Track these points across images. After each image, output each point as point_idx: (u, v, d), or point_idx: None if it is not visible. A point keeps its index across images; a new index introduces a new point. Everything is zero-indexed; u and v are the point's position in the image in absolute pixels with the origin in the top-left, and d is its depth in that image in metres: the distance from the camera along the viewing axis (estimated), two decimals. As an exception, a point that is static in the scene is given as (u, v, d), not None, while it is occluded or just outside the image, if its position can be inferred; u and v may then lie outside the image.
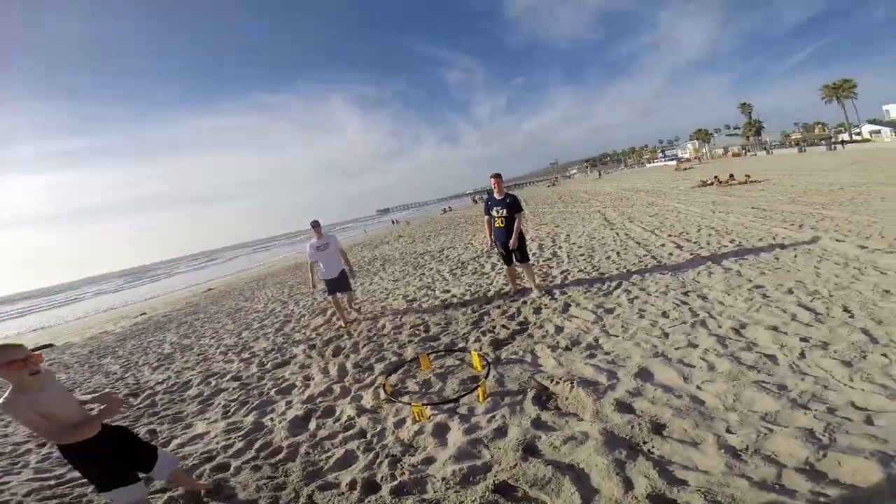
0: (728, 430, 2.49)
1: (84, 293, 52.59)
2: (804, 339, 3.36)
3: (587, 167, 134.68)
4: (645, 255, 7.07)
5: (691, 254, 6.67)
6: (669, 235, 8.46)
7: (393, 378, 4.05)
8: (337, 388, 4.14)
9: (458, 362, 4.11)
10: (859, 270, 4.76)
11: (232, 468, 3.13)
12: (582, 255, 8.03)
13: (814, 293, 4.31)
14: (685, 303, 4.59)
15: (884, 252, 5.27)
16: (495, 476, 2.41)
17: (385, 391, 3.65)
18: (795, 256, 5.72)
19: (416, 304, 6.76)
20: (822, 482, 2.01)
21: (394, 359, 4.58)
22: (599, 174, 73.20)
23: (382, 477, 2.60)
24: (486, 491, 2.29)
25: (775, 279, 4.91)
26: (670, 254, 6.92)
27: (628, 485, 2.18)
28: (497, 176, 5.75)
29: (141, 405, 4.97)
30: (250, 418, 3.94)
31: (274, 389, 4.53)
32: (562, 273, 6.89)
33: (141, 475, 2.38)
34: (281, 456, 3.15)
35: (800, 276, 4.91)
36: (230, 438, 3.61)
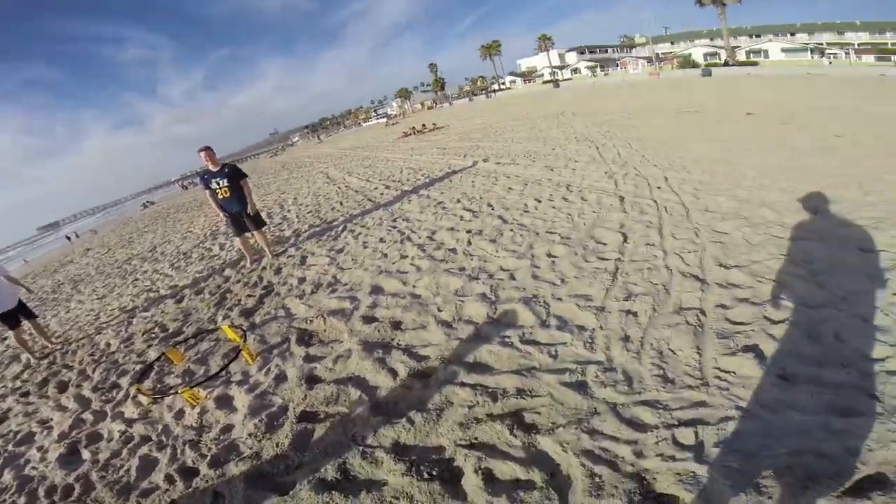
0: (439, 310, 3.39)
1: None
2: (468, 231, 4.91)
3: (308, 133, 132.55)
4: (363, 200, 8.19)
5: (397, 190, 8.17)
6: (381, 180, 9.92)
7: (147, 383, 3.69)
8: (88, 416, 3.51)
9: (213, 343, 4.04)
10: (496, 179, 7.04)
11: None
12: (310, 212, 8.54)
13: (472, 199, 6.18)
14: (395, 227, 5.80)
15: (507, 164, 7.89)
16: (294, 412, 2.68)
17: (144, 396, 3.34)
18: (461, 177, 7.84)
19: (139, 311, 5.87)
20: (501, 327, 2.94)
21: (138, 367, 4.09)
22: (319, 139, 73.60)
23: (193, 460, 2.57)
24: (292, 425, 2.56)
25: (450, 195, 6.70)
26: (381, 194, 8.25)
27: (394, 373, 2.76)
28: (206, 148, 5.47)
29: None
30: (8, 477, 3.06)
31: (10, 445, 3.49)
32: (294, 232, 7.25)
33: None
34: (77, 491, 2.66)
35: (463, 189, 6.85)
36: (4, 500, 2.80)
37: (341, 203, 8.48)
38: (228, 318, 4.47)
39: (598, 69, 67.17)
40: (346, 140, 40.60)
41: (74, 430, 3.43)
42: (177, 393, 3.17)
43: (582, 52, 79.23)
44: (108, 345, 5.02)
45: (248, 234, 5.99)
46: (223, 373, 3.38)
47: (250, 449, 2.52)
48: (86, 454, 3.08)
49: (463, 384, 2.51)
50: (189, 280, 6.47)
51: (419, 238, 5.11)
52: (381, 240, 5.42)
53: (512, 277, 3.63)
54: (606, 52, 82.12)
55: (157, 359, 4.00)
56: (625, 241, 3.85)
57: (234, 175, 5.66)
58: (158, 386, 3.62)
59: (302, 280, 4.92)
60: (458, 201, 6.18)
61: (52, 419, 3.74)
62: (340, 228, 6.56)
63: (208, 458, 2.56)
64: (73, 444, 3.21)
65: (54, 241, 44.87)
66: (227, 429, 2.79)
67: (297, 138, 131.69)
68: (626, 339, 2.60)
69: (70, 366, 4.80)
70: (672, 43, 69.50)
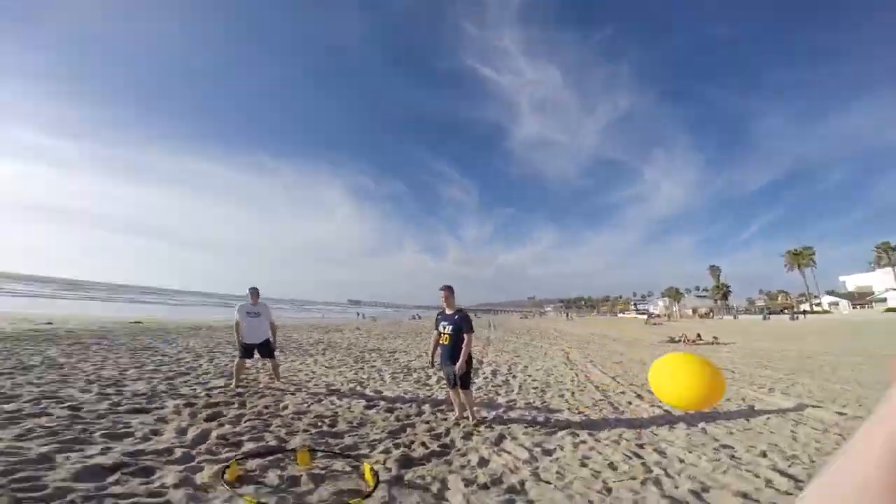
0: None
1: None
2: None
3: (561, 308, 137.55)
4: (601, 400, 6.37)
5: (652, 405, 6.02)
6: (631, 384, 7.85)
7: (253, 463, 3.09)
8: (179, 452, 3.19)
9: (348, 469, 3.17)
10: (841, 436, 4.31)
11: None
12: (535, 388, 7.26)
13: (791, 458, 3.71)
14: (639, 456, 3.82)
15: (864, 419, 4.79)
16: None
17: (228, 473, 2.74)
18: (768, 419, 5.19)
19: (335, 396, 5.77)
20: None
21: (273, 442, 3.63)
22: (569, 316, 73.38)
23: None
24: None
25: (745, 440, 4.28)
26: (629, 402, 6.24)
27: None
28: (446, 288, 4.98)
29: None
30: (45, 448, 3.00)
31: (102, 432, 3.53)
32: (508, 402, 6.05)
33: None
34: (40, 494, 2.31)
35: (774, 439, 4.34)
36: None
37: (573, 393, 6.88)
38: (387, 455, 3.55)
39: None
40: (596, 325, 38.88)
41: (151, 454, 3.14)
42: (241, 495, 2.54)
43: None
44: (285, 407, 4.93)
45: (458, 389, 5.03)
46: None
47: None
48: (113, 477, 2.69)
49: None
50: (392, 394, 6.13)
51: (676, 488, 3.07)
52: (612, 465, 3.60)
53: None
54: None
55: (288, 450, 3.41)
56: None
57: (461, 326, 4.85)
58: (257, 473, 2.97)
59: (484, 462, 3.57)
60: (764, 454, 3.77)
61: (161, 435, 3.61)
62: (562, 423, 4.98)
63: None
64: (121, 464, 2.88)
65: (349, 312, 58.81)
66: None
67: (549, 309, 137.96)
68: None
69: (242, 405, 4.88)
70: None
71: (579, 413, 5.53)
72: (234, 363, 6.70)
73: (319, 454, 3.37)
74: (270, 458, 3.21)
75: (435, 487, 2.96)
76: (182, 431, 3.71)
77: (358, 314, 46.99)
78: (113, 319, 16.93)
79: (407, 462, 3.43)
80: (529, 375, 8.64)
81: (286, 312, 44.58)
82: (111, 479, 2.63)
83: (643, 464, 3.61)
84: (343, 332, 18.27)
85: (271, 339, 6.35)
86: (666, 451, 3.95)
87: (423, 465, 3.40)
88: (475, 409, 5.12)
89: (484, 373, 8.74)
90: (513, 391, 6.90)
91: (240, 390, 5.64)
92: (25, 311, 18.62)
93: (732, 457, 3.76)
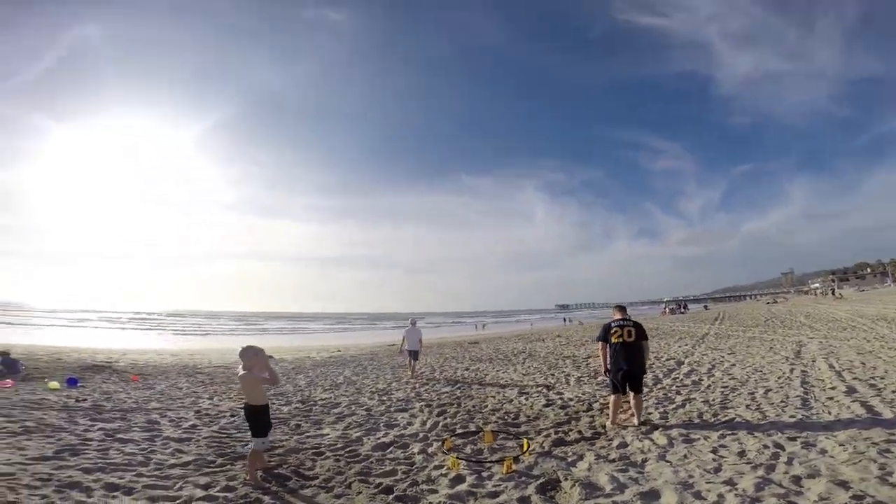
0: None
1: (309, 326, 58.48)
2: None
3: (832, 280, 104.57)
4: (795, 398, 6.03)
5: (855, 400, 5.41)
6: (856, 379, 6.83)
7: (460, 440, 5.07)
8: (421, 434, 5.42)
9: (515, 446, 4.80)
10: None
11: (324, 455, 4.68)
12: (725, 387, 7.22)
13: None
14: (780, 447, 4.10)
15: None
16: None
17: (445, 445, 4.73)
18: None
19: (524, 397, 7.41)
20: None
21: (474, 428, 5.58)
22: (834, 292, 55.10)
23: (398, 489, 3.69)
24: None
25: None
26: (830, 398, 5.78)
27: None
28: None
29: (304, 409, 7.17)
30: (357, 434, 5.50)
31: (384, 423, 6.04)
32: (683, 399, 6.49)
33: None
34: (357, 459, 4.54)
35: None
36: (337, 442, 5.20)
37: (766, 392, 6.53)
38: (547, 438, 4.94)
39: None
40: (879, 301, 29.04)
41: (408, 437, 5.32)
42: (446, 455, 4.37)
43: None
44: (487, 405, 6.84)
45: (624, 396, 5.47)
46: (485, 465, 4.18)
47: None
48: (389, 449, 4.88)
49: None
50: (573, 395, 7.30)
51: (785, 473, 3.41)
52: (742, 453, 4.00)
53: None
54: None
55: (480, 432, 5.24)
56: None
57: (641, 332, 5.43)
58: (460, 445, 4.91)
59: (623, 445, 4.57)
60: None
61: (413, 425, 5.85)
62: (725, 420, 5.28)
63: (403, 493, 3.62)
64: (393, 441, 5.13)
65: (557, 319, 59.58)
66: (432, 492, 3.64)
67: (816, 284, 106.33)
68: None
69: (460, 405, 6.98)
70: None
71: (757, 411, 5.59)
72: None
73: (500, 435, 5.06)
74: (469, 437, 5.09)
75: (570, 458, 4.25)
76: (424, 423, 6.01)
77: (565, 319, 47.77)
78: (376, 344, 22.80)
79: (559, 442, 4.78)
80: (729, 374, 8.35)
81: (495, 326, 48.45)
82: (389, 449, 4.88)
83: (775, 454, 3.94)
84: (545, 340, 19.76)
85: (419, 350, 10.73)
86: (815, 446, 4.05)
87: (571, 445, 4.67)
88: (641, 414, 5.42)
89: (678, 373, 8.88)
90: (699, 390, 7.11)
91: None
92: (321, 343, 26.57)
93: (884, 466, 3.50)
